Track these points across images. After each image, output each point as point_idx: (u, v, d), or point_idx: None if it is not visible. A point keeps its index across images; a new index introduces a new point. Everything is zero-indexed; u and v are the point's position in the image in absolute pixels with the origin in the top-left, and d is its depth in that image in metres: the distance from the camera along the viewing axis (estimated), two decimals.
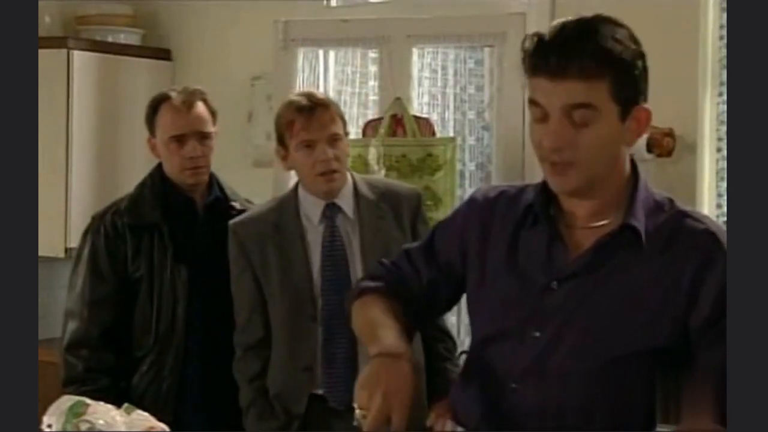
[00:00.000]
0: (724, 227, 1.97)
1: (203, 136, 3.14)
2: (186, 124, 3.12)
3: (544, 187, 2.02)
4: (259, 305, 2.97)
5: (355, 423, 1.92)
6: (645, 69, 1.93)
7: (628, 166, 2.01)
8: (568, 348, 1.96)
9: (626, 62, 1.88)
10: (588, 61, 1.85)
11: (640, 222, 1.96)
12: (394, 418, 1.87)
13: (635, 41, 1.93)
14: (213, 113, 3.20)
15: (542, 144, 1.92)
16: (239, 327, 3.01)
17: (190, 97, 3.14)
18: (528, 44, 1.95)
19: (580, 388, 1.95)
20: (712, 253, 1.92)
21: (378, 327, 2.06)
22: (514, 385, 2.00)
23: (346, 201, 2.98)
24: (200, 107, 3.15)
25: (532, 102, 1.94)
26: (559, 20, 1.96)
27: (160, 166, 3.22)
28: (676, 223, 1.98)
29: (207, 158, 3.16)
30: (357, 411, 1.91)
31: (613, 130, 1.90)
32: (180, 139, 3.12)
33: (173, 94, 3.14)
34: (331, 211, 2.97)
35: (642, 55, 1.93)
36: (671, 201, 2.04)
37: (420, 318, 2.22)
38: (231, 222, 3.02)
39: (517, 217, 2.07)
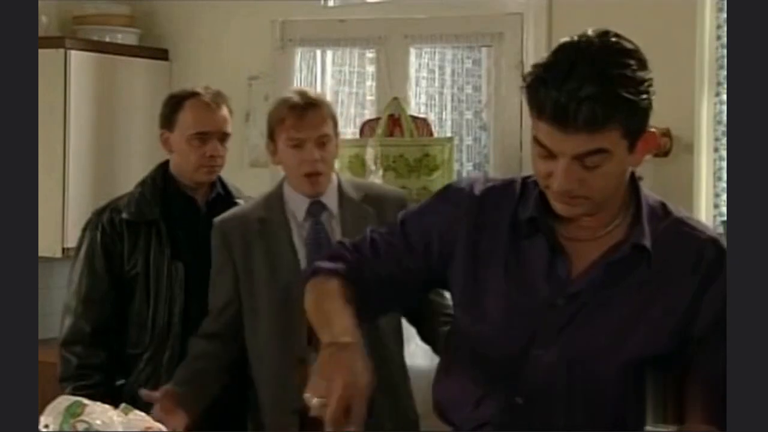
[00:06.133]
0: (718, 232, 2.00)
1: (224, 137, 3.18)
2: (213, 122, 3.15)
3: (542, 197, 1.97)
4: (233, 304, 2.97)
5: (312, 413, 1.85)
6: (653, 93, 1.85)
7: (628, 177, 1.98)
8: (571, 366, 1.94)
9: (637, 103, 1.81)
10: (599, 111, 1.77)
11: (648, 239, 1.93)
12: (355, 408, 1.80)
13: (643, 64, 1.84)
14: (231, 116, 3.24)
15: (549, 182, 1.87)
16: (209, 319, 3.00)
17: (217, 97, 3.18)
18: (531, 81, 1.84)
19: (581, 402, 1.95)
20: (716, 262, 1.92)
21: (331, 313, 1.96)
22: (519, 401, 1.98)
23: (330, 199, 2.99)
24: (225, 109, 3.20)
25: (537, 141, 1.86)
26: (562, 50, 1.84)
27: (164, 164, 3.23)
28: (677, 232, 1.97)
29: (223, 159, 3.20)
30: (314, 400, 1.84)
31: (623, 163, 1.87)
32: (203, 137, 3.14)
33: (201, 91, 3.16)
34: (316, 208, 2.98)
35: (650, 81, 1.84)
36: (664, 205, 2.02)
37: (370, 311, 2.08)
38: (216, 219, 3.03)
39: (511, 221, 2.00)
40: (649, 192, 2.04)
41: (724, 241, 1.95)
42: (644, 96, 1.82)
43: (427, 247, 2.07)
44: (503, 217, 2.02)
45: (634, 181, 1.99)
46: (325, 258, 2.13)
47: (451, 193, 2.12)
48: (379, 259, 2.09)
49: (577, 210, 1.91)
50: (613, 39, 1.85)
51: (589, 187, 1.85)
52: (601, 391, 1.94)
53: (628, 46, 1.85)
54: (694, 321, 1.92)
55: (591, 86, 1.76)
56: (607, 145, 1.81)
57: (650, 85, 1.84)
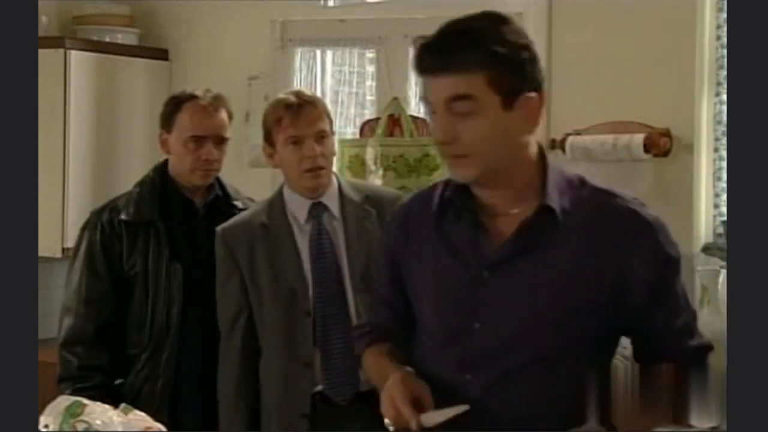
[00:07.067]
0: (639, 203, 2.04)
1: (221, 141, 3.18)
2: (209, 126, 3.15)
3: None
4: (244, 311, 2.97)
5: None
6: (530, 59, 1.98)
7: (535, 153, 2.05)
8: (507, 337, 2.01)
9: (501, 54, 1.95)
10: (462, 55, 1.94)
11: (555, 201, 2.01)
12: (422, 397, 1.96)
13: (518, 33, 2.00)
14: (231, 119, 3.23)
15: (434, 138, 2.01)
16: (222, 335, 3.02)
17: (216, 101, 3.18)
18: (414, 47, 2.05)
19: (525, 376, 1.99)
20: (636, 230, 1.99)
21: (382, 371, 2.15)
22: (468, 377, 2.04)
23: (331, 200, 3.00)
24: (223, 112, 3.19)
25: (423, 99, 2.02)
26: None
27: (162, 165, 3.24)
28: (596, 201, 2.04)
29: (220, 162, 3.19)
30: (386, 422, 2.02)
31: (497, 120, 1.96)
32: (199, 140, 3.14)
33: (200, 94, 3.16)
34: (317, 210, 2.99)
35: (525, 47, 1.99)
36: (582, 179, 2.08)
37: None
38: (218, 228, 3.03)
39: (436, 212, 2.11)
40: (567, 168, 2.11)
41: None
42: (515, 52, 1.96)
43: (394, 275, 2.23)
44: (430, 211, 2.13)
45: (544, 159, 2.06)
46: (358, 330, 2.38)
47: (389, 221, 2.35)
48: (389, 304, 2.26)
49: (467, 172, 2.00)
50: (489, 13, 2.03)
51: (464, 138, 1.96)
52: (540, 364, 1.99)
53: (506, 18, 2.03)
54: (627, 293, 1.99)
55: (456, 37, 1.97)
56: (471, 91, 1.94)
57: (524, 49, 1.98)
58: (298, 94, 2.98)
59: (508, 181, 2.02)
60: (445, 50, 1.97)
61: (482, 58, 1.94)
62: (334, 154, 3.06)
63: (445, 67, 1.95)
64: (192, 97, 3.16)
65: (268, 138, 2.98)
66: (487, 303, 2.03)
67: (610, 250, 1.98)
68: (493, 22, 2.00)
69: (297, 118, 2.92)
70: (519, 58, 1.97)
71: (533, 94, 1.99)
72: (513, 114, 1.97)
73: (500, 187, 2.03)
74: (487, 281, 2.03)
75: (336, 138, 3.13)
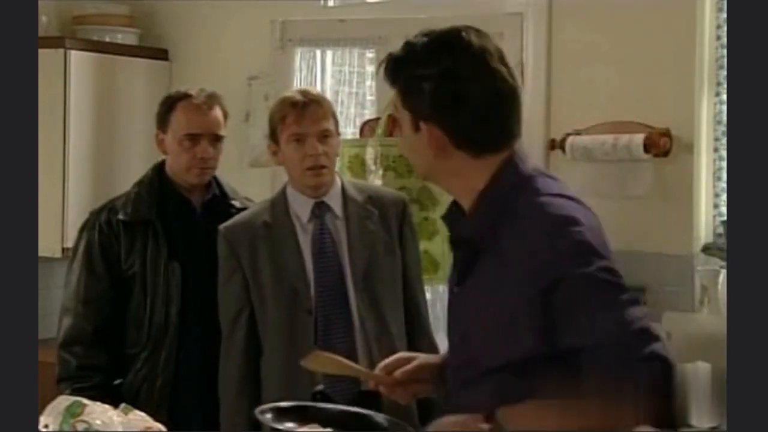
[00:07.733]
0: (558, 206, 1.91)
1: (216, 139, 3.19)
2: (203, 124, 3.16)
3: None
4: (246, 310, 2.98)
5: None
6: (443, 91, 1.96)
7: (490, 168, 1.98)
8: (461, 351, 2.04)
9: (410, 76, 2.00)
10: (389, 73, 2.05)
11: (472, 228, 1.97)
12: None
13: (442, 60, 1.98)
14: (226, 117, 3.24)
15: None
16: (224, 334, 3.03)
17: (210, 99, 3.19)
18: None
19: (475, 390, 1.99)
20: (529, 249, 1.88)
21: None
22: (448, 387, 2.10)
23: (334, 200, 3.02)
24: (218, 110, 3.20)
25: None
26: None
27: (160, 165, 3.25)
28: (518, 220, 1.92)
29: (216, 160, 3.20)
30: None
31: (410, 138, 2.03)
32: (194, 138, 3.15)
33: (194, 93, 3.18)
34: (320, 209, 3.00)
35: (438, 76, 1.97)
36: (536, 192, 1.95)
37: None
38: (221, 226, 3.04)
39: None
40: (543, 176, 2.01)
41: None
42: (426, 78, 1.97)
43: None
44: None
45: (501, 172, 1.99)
46: None
47: None
48: None
49: (423, 179, 2.15)
50: (441, 31, 2.04)
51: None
52: (483, 384, 1.96)
53: (446, 39, 2.03)
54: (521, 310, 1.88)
55: (392, 56, 2.05)
56: (395, 109, 2.07)
57: (436, 79, 1.96)
58: (305, 93, 3.00)
59: (459, 194, 2.04)
60: (385, 70, 2.07)
61: (397, 77, 2.03)
62: (337, 154, 3.07)
63: (389, 84, 2.07)
64: (186, 96, 3.18)
65: (273, 135, 2.99)
66: (455, 318, 2.09)
67: (513, 268, 1.89)
68: (427, 41, 2.02)
69: (301, 116, 2.93)
70: (431, 85, 1.97)
71: (433, 128, 1.97)
72: (420, 136, 2.00)
73: (460, 198, 2.04)
74: (456, 296, 2.07)
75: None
